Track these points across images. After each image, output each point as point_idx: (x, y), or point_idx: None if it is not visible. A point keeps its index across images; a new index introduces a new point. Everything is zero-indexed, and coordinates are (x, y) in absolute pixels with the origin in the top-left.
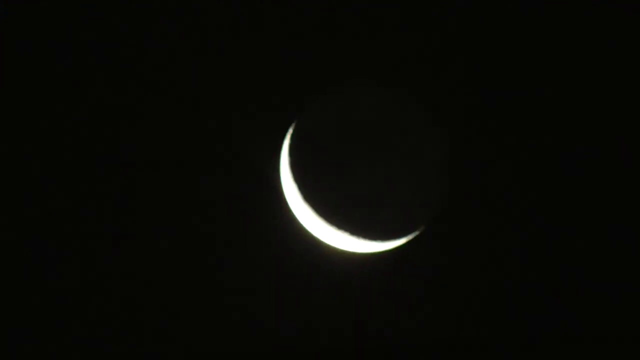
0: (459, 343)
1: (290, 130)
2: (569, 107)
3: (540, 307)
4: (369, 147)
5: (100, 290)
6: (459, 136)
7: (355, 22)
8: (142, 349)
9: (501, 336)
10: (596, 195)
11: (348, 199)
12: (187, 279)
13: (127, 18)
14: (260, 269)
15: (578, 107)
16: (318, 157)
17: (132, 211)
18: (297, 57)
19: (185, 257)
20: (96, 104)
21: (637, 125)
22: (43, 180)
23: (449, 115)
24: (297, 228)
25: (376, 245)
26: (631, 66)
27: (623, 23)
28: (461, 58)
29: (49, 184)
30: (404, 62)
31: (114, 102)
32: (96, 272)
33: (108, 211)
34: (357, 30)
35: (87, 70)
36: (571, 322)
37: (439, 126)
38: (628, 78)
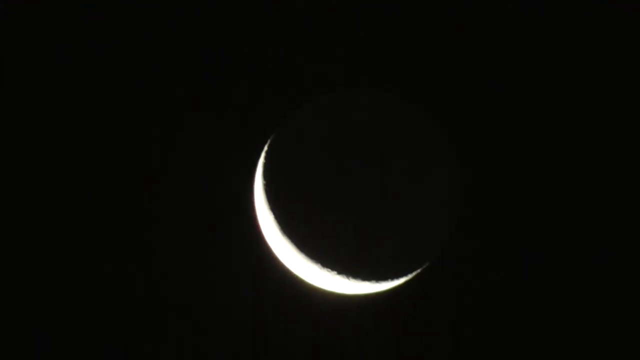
0: None
1: (265, 148)
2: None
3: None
4: (361, 167)
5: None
6: (472, 160)
7: (344, 25)
8: None
9: None
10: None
11: (335, 232)
12: (152, 322)
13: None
14: (230, 312)
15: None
16: (299, 181)
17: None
18: (273, 62)
19: (146, 298)
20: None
21: (638, 125)
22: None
23: (458, 129)
24: (274, 265)
25: (368, 286)
26: (631, 66)
27: (623, 23)
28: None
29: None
30: (404, 66)
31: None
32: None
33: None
34: (353, 31)
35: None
36: None
37: (447, 146)
38: (628, 78)
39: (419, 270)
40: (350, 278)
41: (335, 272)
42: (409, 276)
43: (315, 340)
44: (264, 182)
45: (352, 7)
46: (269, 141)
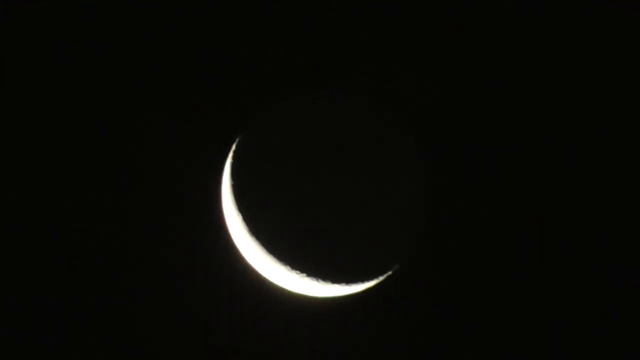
0: None
1: (233, 147)
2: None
3: None
4: (330, 168)
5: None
6: (438, 161)
7: (312, 25)
8: None
9: None
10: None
11: (304, 233)
12: (115, 330)
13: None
14: (196, 316)
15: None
16: (267, 181)
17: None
18: (273, 62)
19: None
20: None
21: (638, 125)
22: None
23: (429, 133)
24: (242, 267)
25: (338, 288)
26: (631, 66)
27: (623, 23)
28: (455, 68)
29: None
30: (404, 66)
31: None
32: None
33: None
34: (353, 31)
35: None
36: None
37: (415, 148)
38: (628, 78)
39: (389, 273)
40: (320, 280)
41: (304, 275)
42: (380, 278)
43: (284, 343)
44: (232, 182)
45: (352, 7)
46: (236, 140)
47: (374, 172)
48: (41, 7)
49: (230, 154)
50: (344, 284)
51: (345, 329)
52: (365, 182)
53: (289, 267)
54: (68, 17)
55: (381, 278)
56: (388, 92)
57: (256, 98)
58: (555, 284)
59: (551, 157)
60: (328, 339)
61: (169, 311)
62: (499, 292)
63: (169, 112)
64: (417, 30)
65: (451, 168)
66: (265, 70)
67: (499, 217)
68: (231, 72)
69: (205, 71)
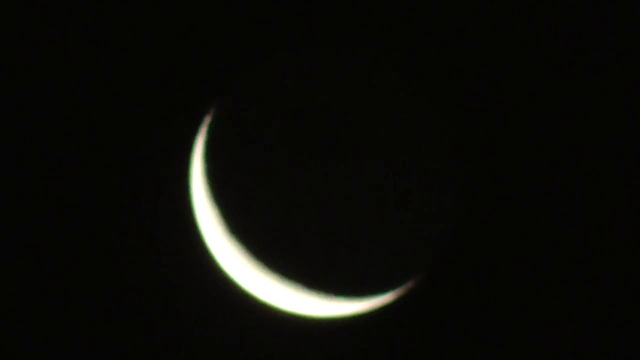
0: None
1: (208, 119)
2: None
3: None
4: (335, 149)
5: None
6: (471, 148)
7: None
8: None
9: None
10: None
11: (300, 232)
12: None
13: None
14: (159, 341)
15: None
16: (252, 165)
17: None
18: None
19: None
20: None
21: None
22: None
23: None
24: (216, 278)
25: (344, 305)
26: (631, 66)
27: (623, 23)
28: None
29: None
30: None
31: None
32: None
33: None
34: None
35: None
36: None
37: (443, 125)
38: (628, 79)
39: (408, 285)
40: (320, 294)
41: (300, 286)
42: (396, 292)
43: None
44: (206, 165)
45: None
46: (212, 111)
47: (392, 155)
48: (41, 7)
49: (204, 128)
50: (350, 299)
51: (352, 358)
52: (381, 168)
53: (279, 278)
54: (68, 16)
55: (398, 292)
56: (412, 60)
57: (240, 64)
58: (587, 301)
59: (553, 158)
60: None
61: (122, 339)
62: (538, 306)
63: (129, 79)
64: (420, 24)
65: (490, 160)
66: (252, 30)
67: (534, 223)
68: (212, 31)
69: (199, 70)
